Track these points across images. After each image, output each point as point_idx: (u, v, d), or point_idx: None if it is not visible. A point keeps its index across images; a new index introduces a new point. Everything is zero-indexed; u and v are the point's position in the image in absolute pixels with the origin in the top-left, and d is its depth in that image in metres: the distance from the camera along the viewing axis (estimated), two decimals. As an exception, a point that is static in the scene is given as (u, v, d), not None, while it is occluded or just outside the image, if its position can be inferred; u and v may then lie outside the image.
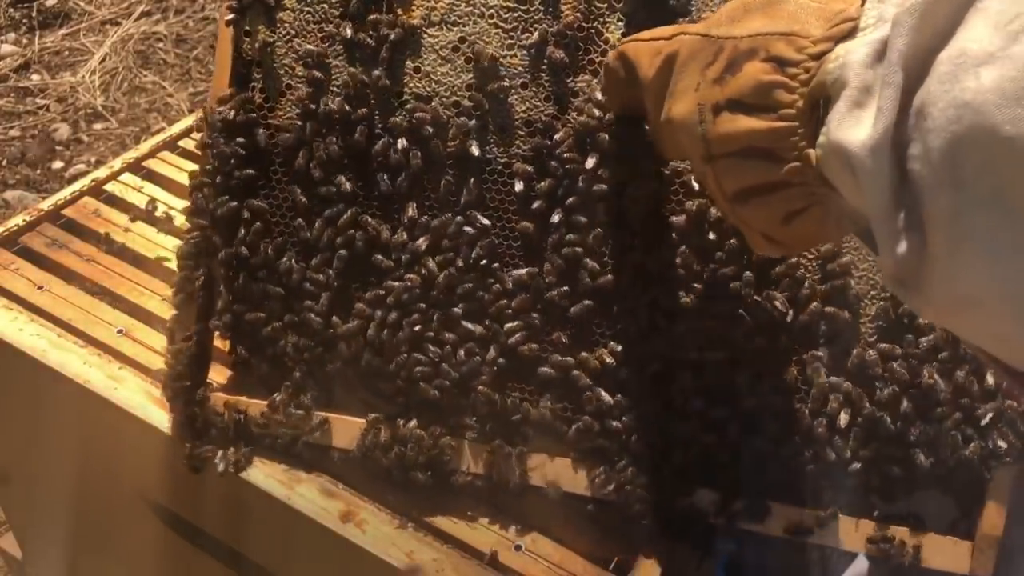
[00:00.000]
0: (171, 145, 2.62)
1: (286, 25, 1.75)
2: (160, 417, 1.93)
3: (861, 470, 1.62)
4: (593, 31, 1.63)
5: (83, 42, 5.46)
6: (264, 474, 1.84)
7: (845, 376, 1.62)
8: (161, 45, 5.42)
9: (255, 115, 1.76)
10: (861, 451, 1.62)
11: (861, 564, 1.85)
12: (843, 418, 1.59)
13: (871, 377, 1.60)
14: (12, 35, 5.54)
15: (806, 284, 1.61)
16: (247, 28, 1.76)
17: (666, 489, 1.66)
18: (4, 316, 2.13)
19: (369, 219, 1.73)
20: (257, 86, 1.77)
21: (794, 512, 1.66)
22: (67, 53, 5.41)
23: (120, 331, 2.11)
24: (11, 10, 5.65)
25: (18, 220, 2.37)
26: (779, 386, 1.62)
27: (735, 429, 1.64)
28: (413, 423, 1.75)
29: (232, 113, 1.75)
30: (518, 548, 1.72)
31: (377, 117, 1.71)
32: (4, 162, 4.76)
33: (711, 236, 1.60)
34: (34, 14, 5.61)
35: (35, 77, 5.27)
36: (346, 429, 1.81)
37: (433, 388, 1.73)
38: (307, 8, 1.74)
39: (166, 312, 2.13)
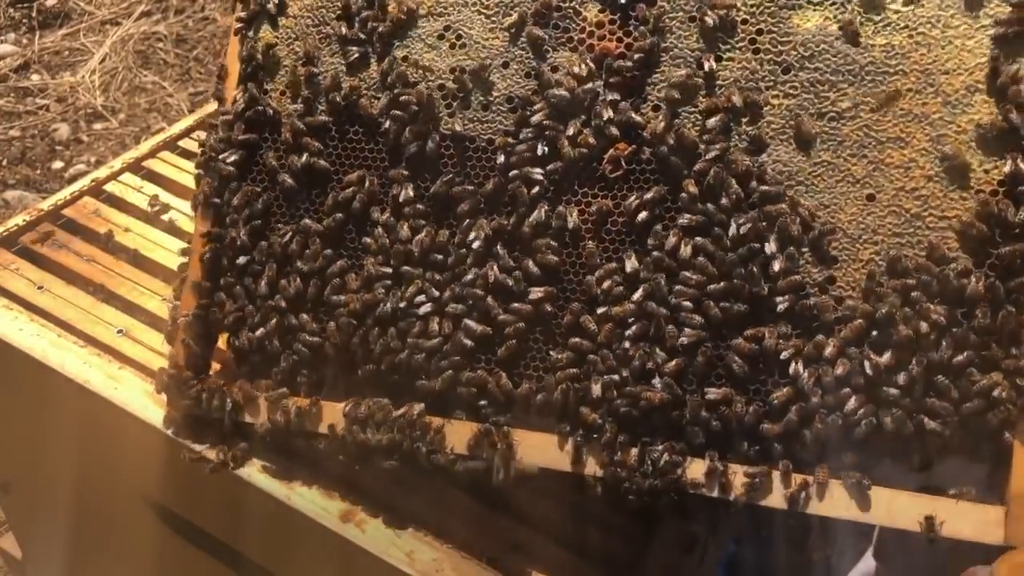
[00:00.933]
0: (171, 145, 2.63)
1: (288, 30, 1.92)
2: (160, 417, 1.93)
3: (870, 427, 1.54)
4: (571, 10, 1.73)
5: (83, 42, 5.47)
6: (264, 474, 1.84)
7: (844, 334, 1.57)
8: (161, 45, 5.42)
9: (261, 108, 1.88)
10: (870, 405, 1.54)
11: (868, 563, 1.84)
12: (840, 369, 1.54)
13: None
14: (12, 35, 5.55)
15: (792, 239, 1.59)
16: (252, 36, 1.93)
17: (661, 460, 1.62)
18: (4, 316, 2.13)
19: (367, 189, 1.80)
20: (262, 84, 1.91)
21: (797, 480, 1.56)
22: (67, 53, 5.41)
23: (120, 331, 2.12)
24: (11, 10, 5.65)
25: (18, 220, 2.37)
26: (776, 347, 1.57)
27: (732, 395, 1.60)
28: (387, 403, 1.76)
29: (241, 106, 1.88)
30: (518, 548, 1.73)
31: (370, 104, 1.82)
32: (4, 162, 4.76)
33: (692, 189, 1.62)
34: (34, 14, 5.62)
35: (35, 77, 5.27)
36: (333, 414, 1.80)
37: (421, 373, 1.74)
38: (307, 15, 1.90)
39: (166, 312, 2.13)
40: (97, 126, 4.98)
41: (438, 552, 1.71)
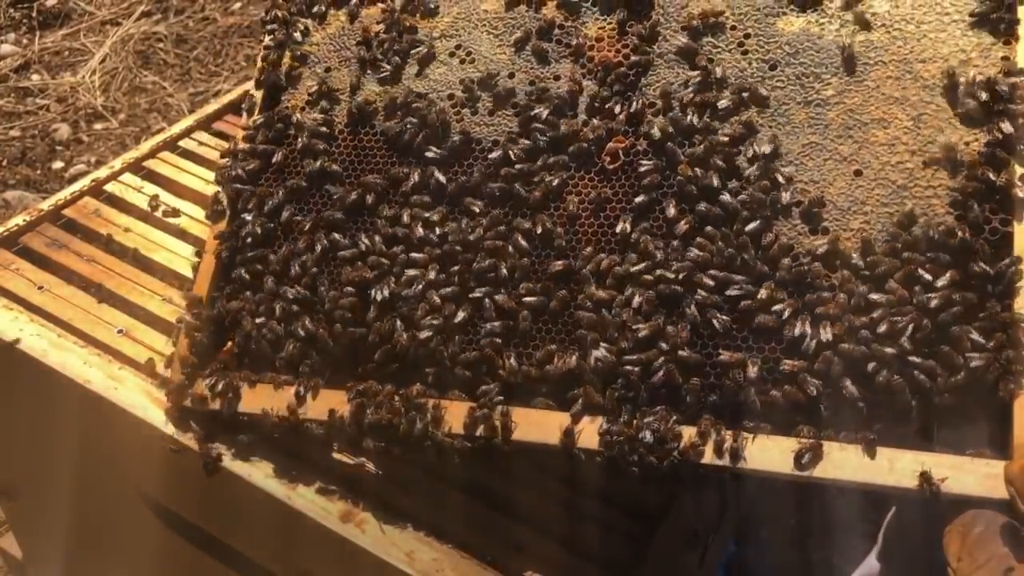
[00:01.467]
0: (171, 145, 2.62)
1: (311, 56, 2.11)
2: (160, 417, 1.93)
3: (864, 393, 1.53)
4: (572, 28, 1.91)
5: (83, 42, 5.47)
6: (264, 474, 1.84)
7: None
8: (161, 45, 5.42)
9: (280, 122, 2.04)
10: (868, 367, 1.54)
11: (871, 564, 1.84)
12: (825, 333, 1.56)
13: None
14: (12, 35, 5.55)
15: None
16: (278, 59, 2.11)
17: (660, 428, 1.60)
18: (4, 316, 2.13)
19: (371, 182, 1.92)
20: (283, 100, 2.09)
21: (798, 443, 1.54)
22: (67, 53, 5.41)
23: (120, 331, 2.12)
24: (11, 10, 5.65)
25: (18, 220, 2.37)
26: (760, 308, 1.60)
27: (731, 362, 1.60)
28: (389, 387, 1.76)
29: (262, 119, 2.06)
30: (518, 548, 1.73)
31: (384, 114, 1.98)
32: (4, 162, 4.76)
33: (688, 172, 1.69)
34: (34, 14, 5.62)
35: (35, 77, 5.27)
36: (333, 400, 1.80)
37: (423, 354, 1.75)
38: (329, 42, 2.10)
39: (166, 312, 2.14)
40: (97, 126, 4.98)
41: (438, 552, 1.71)
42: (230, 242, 1.97)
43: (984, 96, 1.61)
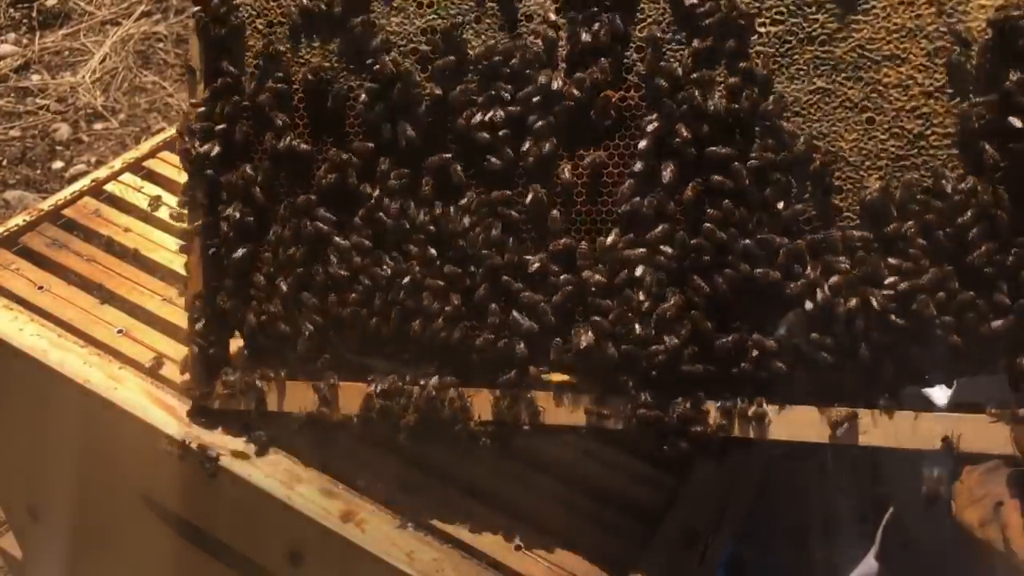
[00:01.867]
0: (171, 145, 2.62)
1: (247, 8, 1.80)
2: (160, 417, 1.93)
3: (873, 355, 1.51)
4: None
5: (83, 42, 5.46)
6: (264, 474, 1.84)
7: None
8: (161, 45, 5.42)
9: (233, 96, 1.81)
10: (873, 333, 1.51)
11: (870, 565, 1.84)
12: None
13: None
14: (12, 35, 5.54)
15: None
16: (215, 26, 1.81)
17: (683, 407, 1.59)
18: (4, 316, 2.13)
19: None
20: (230, 71, 1.82)
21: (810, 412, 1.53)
22: (67, 53, 5.41)
23: (120, 331, 2.11)
24: (11, 10, 5.65)
25: (18, 220, 2.37)
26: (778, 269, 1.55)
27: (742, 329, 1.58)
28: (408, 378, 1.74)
29: (211, 96, 1.82)
30: (518, 548, 1.72)
31: (342, 78, 1.75)
32: (4, 162, 4.76)
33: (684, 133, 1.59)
34: (34, 14, 5.61)
35: (35, 77, 5.27)
36: (355, 394, 1.79)
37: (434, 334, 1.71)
38: None
39: (166, 312, 2.14)
40: (97, 126, 4.97)
41: (438, 552, 1.71)
42: (213, 235, 1.87)
43: (1000, 42, 1.45)
